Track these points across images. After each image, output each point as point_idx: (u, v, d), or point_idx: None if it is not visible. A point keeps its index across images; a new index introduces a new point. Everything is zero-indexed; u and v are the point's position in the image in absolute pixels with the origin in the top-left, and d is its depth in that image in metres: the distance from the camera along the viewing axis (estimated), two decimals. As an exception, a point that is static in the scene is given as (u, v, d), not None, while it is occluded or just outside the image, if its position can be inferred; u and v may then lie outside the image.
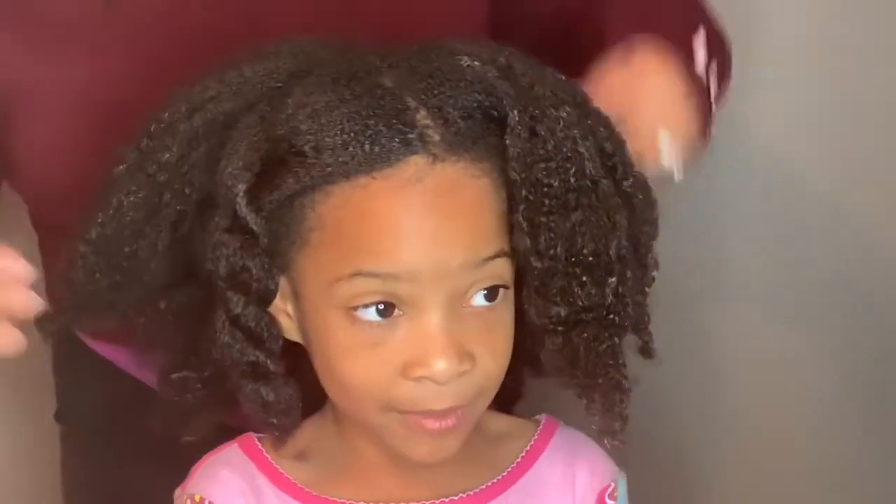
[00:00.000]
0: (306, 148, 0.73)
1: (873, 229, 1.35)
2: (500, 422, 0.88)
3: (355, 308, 0.74)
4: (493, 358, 0.77)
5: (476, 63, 0.76)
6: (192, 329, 0.82)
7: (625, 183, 0.79)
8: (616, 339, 0.78)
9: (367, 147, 0.72)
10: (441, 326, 0.74)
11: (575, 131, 0.75)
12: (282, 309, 0.79)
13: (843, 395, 1.37)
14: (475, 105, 0.74)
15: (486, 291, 0.76)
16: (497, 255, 0.75)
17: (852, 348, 1.36)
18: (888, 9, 1.27)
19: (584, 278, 0.75)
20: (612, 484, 0.87)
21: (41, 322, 0.78)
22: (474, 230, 0.74)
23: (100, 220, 0.78)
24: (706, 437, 1.41)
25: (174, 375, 0.84)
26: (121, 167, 0.78)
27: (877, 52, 1.29)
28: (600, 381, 0.78)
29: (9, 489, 1.40)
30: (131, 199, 0.78)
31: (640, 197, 0.80)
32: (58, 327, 0.81)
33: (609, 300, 0.76)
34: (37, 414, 1.16)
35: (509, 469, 0.86)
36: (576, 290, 0.75)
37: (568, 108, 0.76)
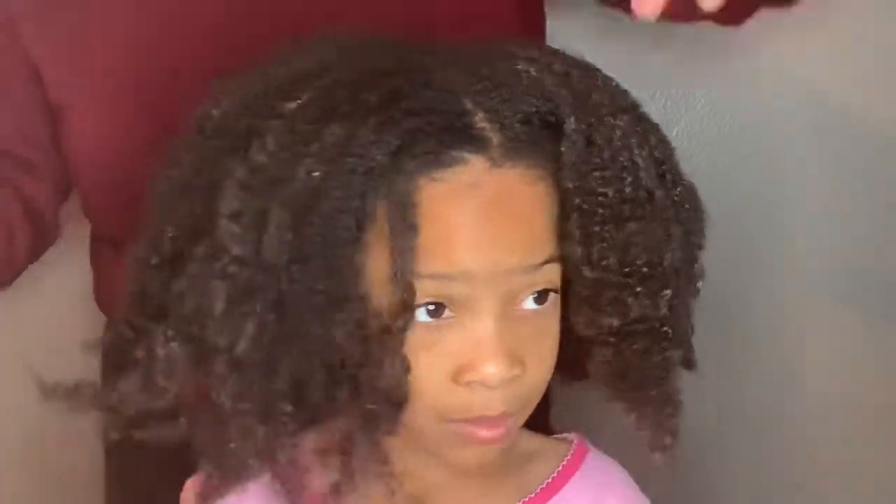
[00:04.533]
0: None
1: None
2: (530, 440, 0.85)
3: None
4: (540, 365, 0.75)
5: (532, 68, 0.74)
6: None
7: (673, 192, 0.77)
8: (668, 353, 0.77)
9: (429, 149, 0.70)
10: (493, 330, 0.72)
11: (632, 140, 0.74)
12: None
13: (868, 399, 1.34)
14: (532, 111, 0.72)
15: (536, 294, 0.74)
16: (549, 261, 0.74)
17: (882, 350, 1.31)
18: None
19: (639, 289, 0.75)
20: (642, 518, 0.85)
21: None
22: (529, 236, 0.72)
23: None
24: (725, 448, 1.39)
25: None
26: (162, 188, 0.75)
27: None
28: (653, 393, 0.78)
29: (53, 481, 1.41)
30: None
31: (688, 206, 0.78)
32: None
33: (663, 312, 0.76)
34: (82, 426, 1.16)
35: (535, 492, 0.83)
36: (629, 301, 0.75)
37: (625, 117, 0.74)
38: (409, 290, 0.69)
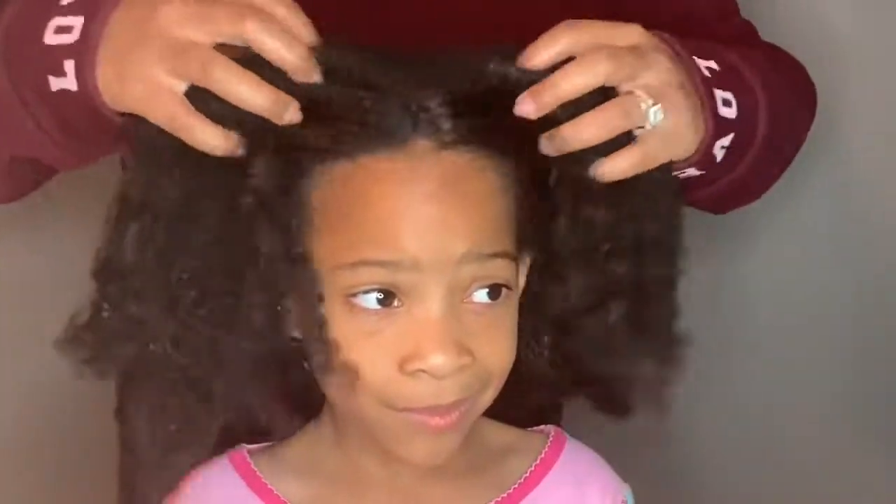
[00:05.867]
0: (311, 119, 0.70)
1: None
2: (505, 434, 0.84)
3: (354, 295, 0.71)
4: (494, 353, 0.74)
5: (500, 65, 0.72)
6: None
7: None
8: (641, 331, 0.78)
9: (373, 124, 0.69)
10: (440, 319, 0.71)
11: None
12: None
13: (853, 401, 1.31)
14: (491, 100, 0.71)
15: (487, 289, 0.73)
16: (500, 255, 0.72)
17: (863, 353, 1.29)
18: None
19: (614, 262, 0.75)
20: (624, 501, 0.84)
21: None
22: (478, 222, 0.71)
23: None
24: (708, 440, 1.38)
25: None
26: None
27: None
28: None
29: (66, 485, 1.42)
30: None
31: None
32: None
33: (634, 285, 0.76)
34: (97, 412, 1.17)
35: (514, 486, 0.82)
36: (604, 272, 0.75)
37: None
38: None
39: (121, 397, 1.14)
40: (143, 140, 0.71)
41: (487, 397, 0.76)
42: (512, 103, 0.71)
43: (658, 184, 0.75)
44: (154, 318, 0.71)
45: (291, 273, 0.72)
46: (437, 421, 0.72)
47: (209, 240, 0.70)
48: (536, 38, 0.73)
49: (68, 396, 1.32)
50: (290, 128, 0.69)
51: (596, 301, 0.76)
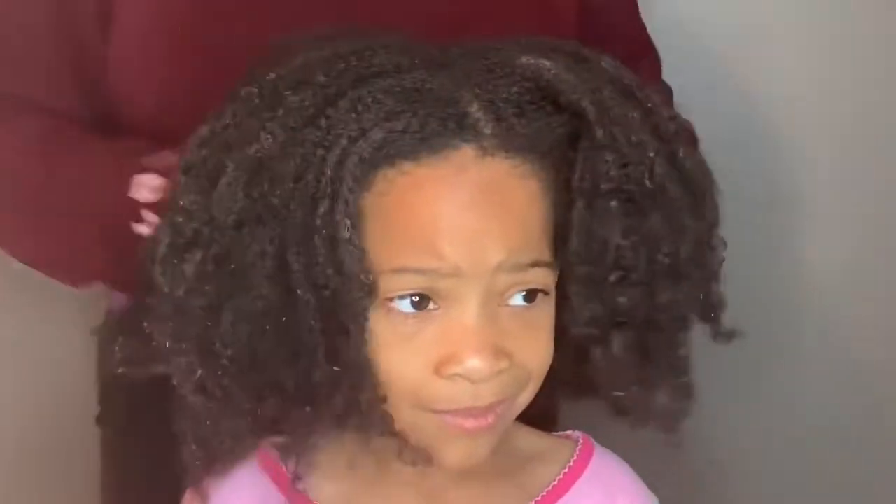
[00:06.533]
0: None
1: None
2: (534, 440, 0.84)
3: (391, 299, 0.70)
4: (532, 354, 0.73)
5: (532, 59, 0.72)
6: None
7: (685, 176, 0.75)
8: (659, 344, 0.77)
9: (416, 130, 0.69)
10: (476, 323, 0.70)
11: (643, 136, 0.73)
12: None
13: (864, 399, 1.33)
14: (527, 99, 0.71)
15: (524, 293, 0.72)
16: (537, 264, 0.72)
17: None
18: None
19: (647, 284, 0.74)
20: (652, 514, 0.84)
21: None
22: (519, 230, 0.71)
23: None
24: (734, 450, 1.38)
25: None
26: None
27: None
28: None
29: (48, 492, 1.40)
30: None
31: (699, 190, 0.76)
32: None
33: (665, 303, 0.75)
34: (79, 418, 1.15)
35: (542, 494, 0.81)
36: (632, 294, 0.74)
37: (636, 110, 0.73)
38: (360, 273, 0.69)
39: (103, 404, 1.13)
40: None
41: (525, 398, 0.75)
42: (547, 103, 0.72)
43: (681, 202, 0.74)
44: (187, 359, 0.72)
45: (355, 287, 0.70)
46: (472, 423, 0.72)
47: (263, 272, 0.69)
48: (513, 36, 0.74)
49: (50, 402, 1.31)
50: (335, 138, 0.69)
51: (600, 331, 0.75)
